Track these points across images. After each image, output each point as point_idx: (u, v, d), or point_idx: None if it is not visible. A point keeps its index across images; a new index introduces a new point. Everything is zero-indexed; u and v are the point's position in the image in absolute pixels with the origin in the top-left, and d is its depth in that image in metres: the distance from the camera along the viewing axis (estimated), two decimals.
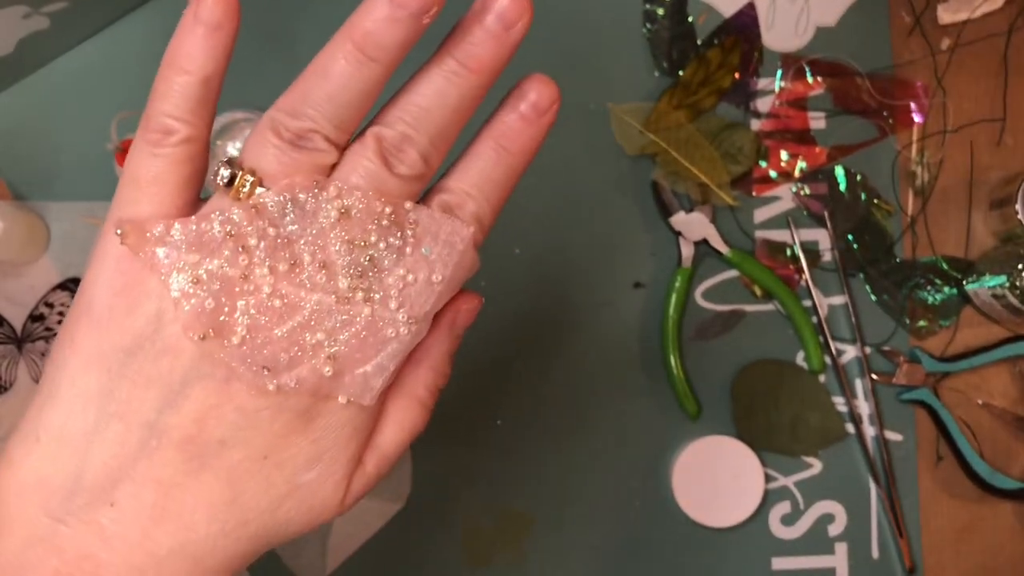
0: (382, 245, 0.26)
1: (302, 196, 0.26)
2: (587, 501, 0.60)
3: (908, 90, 0.62)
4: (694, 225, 0.60)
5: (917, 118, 0.62)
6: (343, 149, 0.27)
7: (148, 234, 0.25)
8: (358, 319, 0.26)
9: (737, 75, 0.62)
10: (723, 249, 0.60)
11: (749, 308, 0.61)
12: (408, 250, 0.27)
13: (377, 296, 0.26)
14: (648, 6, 0.62)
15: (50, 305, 0.59)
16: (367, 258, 0.26)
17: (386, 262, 0.26)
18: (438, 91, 0.26)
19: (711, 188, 0.59)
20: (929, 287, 0.61)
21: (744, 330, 0.61)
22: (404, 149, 0.26)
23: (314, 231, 0.26)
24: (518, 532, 0.60)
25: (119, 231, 0.25)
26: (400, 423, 0.30)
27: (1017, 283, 0.57)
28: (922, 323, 0.61)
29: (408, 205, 0.27)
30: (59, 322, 0.59)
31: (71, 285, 0.59)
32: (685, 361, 0.60)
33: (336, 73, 0.26)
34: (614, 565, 0.60)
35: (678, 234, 0.60)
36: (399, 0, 0.24)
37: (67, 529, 0.25)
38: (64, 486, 0.25)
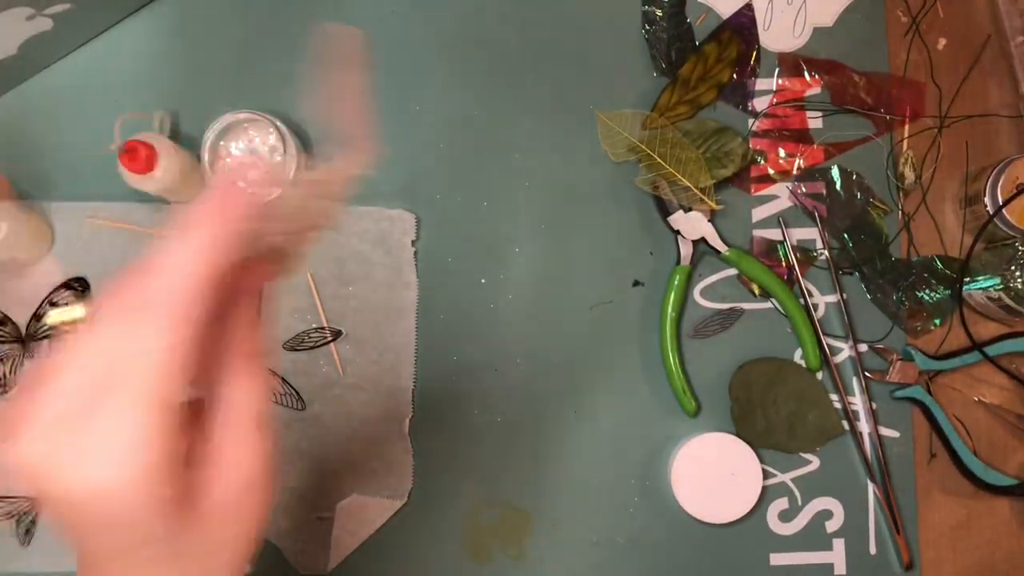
0: None
1: None
2: (586, 497, 0.60)
3: (904, 89, 0.62)
4: (692, 224, 0.61)
5: (913, 117, 0.62)
6: None
7: None
8: None
9: (735, 74, 0.62)
10: (721, 248, 0.60)
11: (747, 306, 0.62)
12: None
13: None
14: (647, 8, 0.63)
15: (54, 304, 0.59)
16: None
17: None
18: None
19: (695, 193, 0.60)
20: (924, 286, 0.61)
21: (742, 328, 0.61)
22: None
23: None
24: (518, 528, 0.60)
25: None
26: None
27: (1011, 284, 0.57)
28: (917, 322, 0.61)
29: None
30: None
31: (75, 284, 0.59)
32: (684, 359, 0.61)
33: None
34: (613, 561, 0.60)
35: (677, 233, 0.61)
36: None
37: None
38: None
